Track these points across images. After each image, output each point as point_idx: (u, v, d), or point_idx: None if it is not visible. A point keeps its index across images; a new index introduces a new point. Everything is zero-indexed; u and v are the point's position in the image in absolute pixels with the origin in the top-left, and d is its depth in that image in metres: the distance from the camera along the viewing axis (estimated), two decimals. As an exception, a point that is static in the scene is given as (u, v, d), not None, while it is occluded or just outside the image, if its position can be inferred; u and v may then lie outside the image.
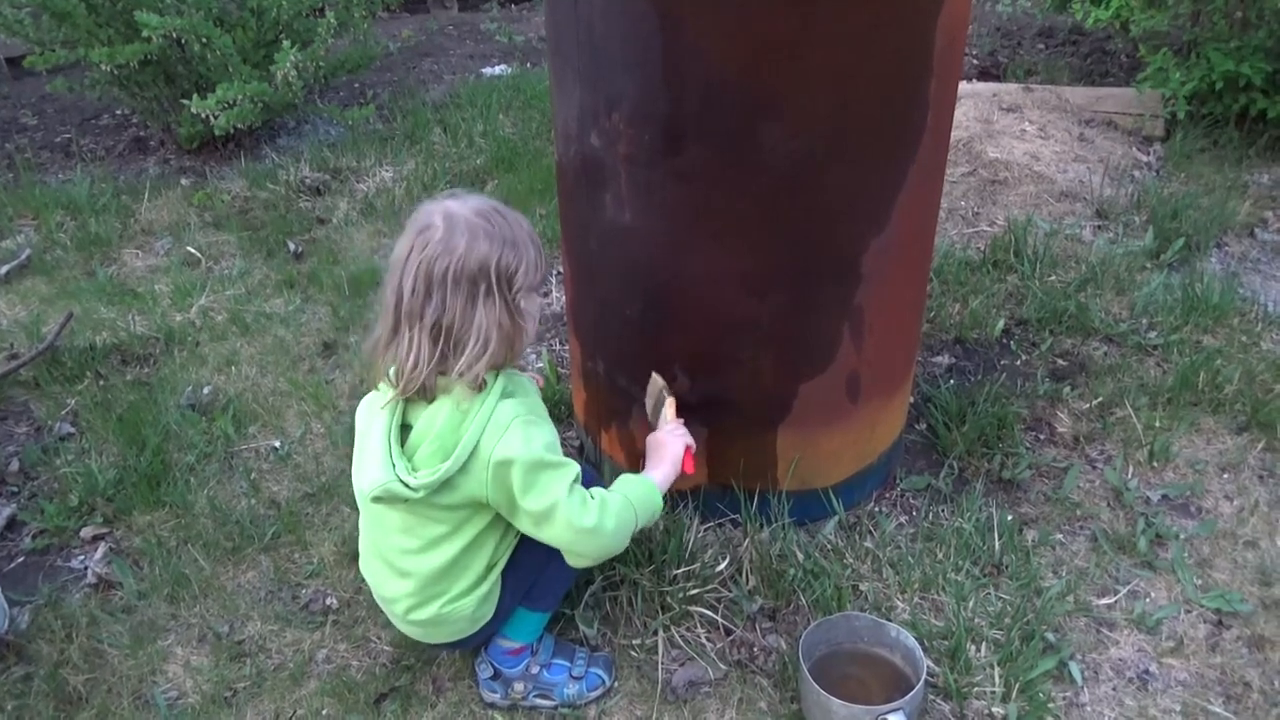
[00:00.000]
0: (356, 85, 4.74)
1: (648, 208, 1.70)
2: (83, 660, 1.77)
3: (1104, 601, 1.81)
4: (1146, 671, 1.69)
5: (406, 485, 1.42)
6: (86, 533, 2.07)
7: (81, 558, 2.02)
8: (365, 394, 1.58)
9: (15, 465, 2.26)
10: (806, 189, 1.60)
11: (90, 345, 2.67)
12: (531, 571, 1.60)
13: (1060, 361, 2.47)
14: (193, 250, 3.19)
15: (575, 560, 1.54)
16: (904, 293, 1.88)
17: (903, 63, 1.55)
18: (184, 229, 3.35)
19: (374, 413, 1.51)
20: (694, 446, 1.70)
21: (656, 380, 1.79)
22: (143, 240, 3.31)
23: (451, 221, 1.41)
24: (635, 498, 1.55)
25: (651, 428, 1.76)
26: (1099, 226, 3.02)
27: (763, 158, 1.56)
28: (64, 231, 3.30)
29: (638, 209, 1.71)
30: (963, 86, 3.68)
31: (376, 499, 1.46)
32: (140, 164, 3.95)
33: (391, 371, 1.47)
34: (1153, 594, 1.83)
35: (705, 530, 1.93)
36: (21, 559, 2.03)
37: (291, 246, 3.21)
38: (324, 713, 1.67)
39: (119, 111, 4.43)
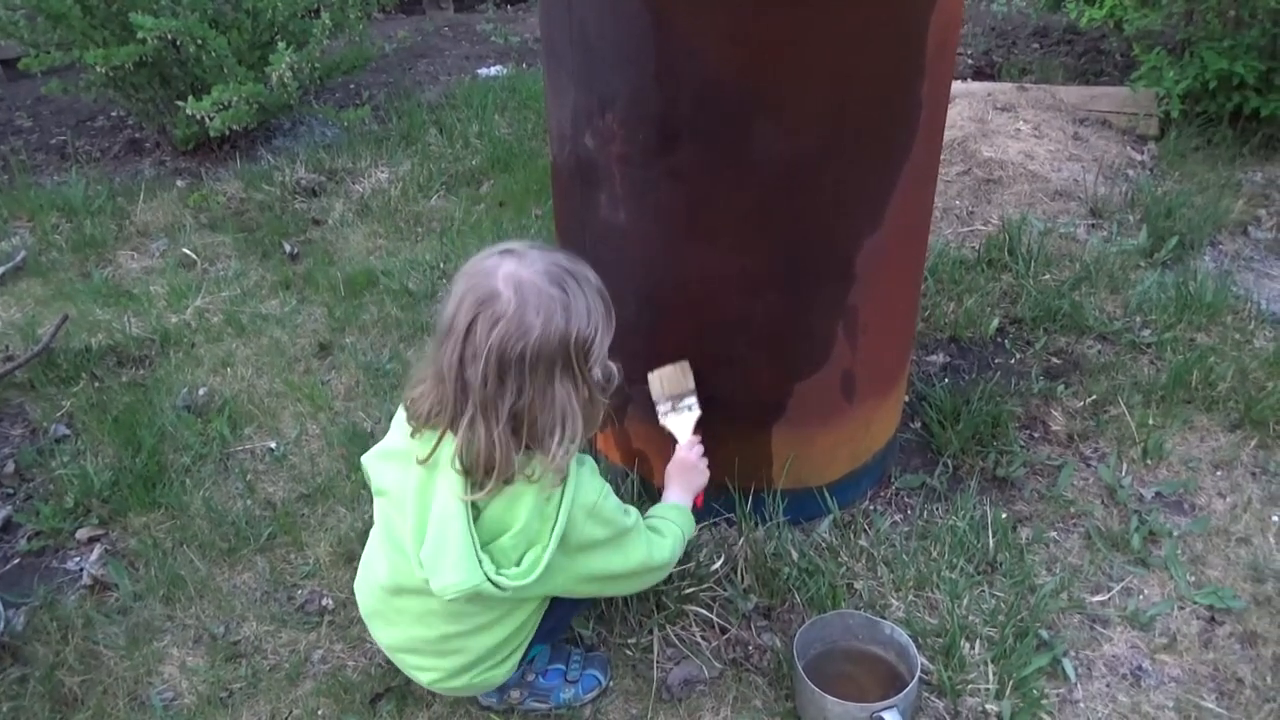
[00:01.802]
0: (352, 86, 4.74)
1: (642, 207, 1.70)
2: (78, 662, 1.77)
3: (1097, 598, 1.82)
4: (1140, 668, 1.69)
5: (497, 586, 1.32)
6: (82, 534, 2.07)
7: (77, 559, 2.02)
8: (373, 421, 1.53)
9: (10, 467, 2.26)
10: (800, 189, 1.61)
11: (86, 347, 2.67)
12: (552, 619, 1.58)
13: (1054, 360, 2.47)
14: (188, 252, 3.19)
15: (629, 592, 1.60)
16: (898, 292, 1.88)
17: (896, 62, 1.55)
18: (179, 230, 3.35)
19: (417, 476, 1.38)
20: (710, 472, 1.73)
21: (684, 377, 1.75)
22: (138, 242, 3.31)
23: (522, 294, 1.27)
24: (685, 530, 1.62)
25: (657, 416, 1.76)
26: (1093, 225, 3.02)
27: (756, 157, 1.57)
28: (59, 233, 3.30)
29: (632, 209, 1.71)
30: (957, 86, 3.69)
31: (455, 599, 1.33)
32: (135, 166, 3.95)
33: (460, 458, 1.33)
34: (1146, 591, 1.84)
35: (701, 529, 1.93)
36: (17, 561, 2.03)
37: (287, 248, 3.21)
38: (320, 713, 1.67)
39: (114, 113, 4.42)
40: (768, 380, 1.82)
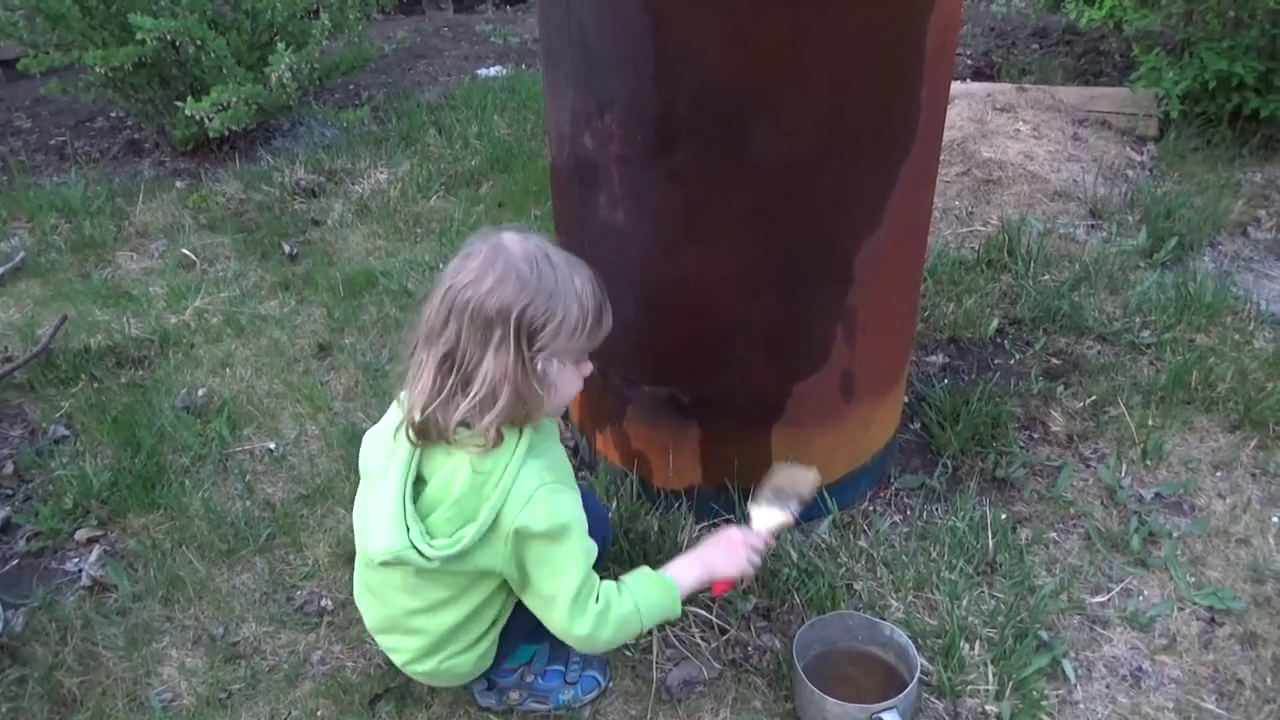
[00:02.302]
0: (351, 87, 4.74)
1: (640, 208, 1.70)
2: (77, 663, 1.77)
3: (1097, 599, 1.82)
4: (1139, 669, 1.69)
5: (421, 554, 1.35)
6: (81, 535, 2.07)
7: (76, 560, 2.02)
8: (372, 422, 1.54)
9: (9, 468, 2.26)
10: (798, 190, 1.61)
11: (85, 348, 2.67)
12: (535, 616, 1.53)
13: (1054, 360, 2.47)
14: (187, 252, 3.19)
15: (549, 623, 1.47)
16: (897, 293, 1.88)
17: (895, 64, 1.55)
18: (179, 231, 3.34)
19: (384, 454, 1.43)
20: (745, 581, 1.59)
21: (804, 482, 1.65)
22: (137, 243, 3.30)
23: (494, 255, 1.34)
24: (647, 607, 1.46)
25: (755, 494, 1.65)
26: (1093, 226, 3.02)
27: (755, 159, 1.57)
28: (58, 234, 3.30)
29: (630, 209, 1.71)
30: (956, 86, 3.69)
31: (385, 564, 1.38)
32: (135, 166, 3.95)
33: (403, 395, 1.41)
34: (1146, 592, 1.84)
35: (700, 530, 1.93)
36: (16, 562, 2.03)
37: (286, 248, 3.20)
38: (319, 714, 1.67)
39: (113, 114, 4.42)
40: (767, 381, 1.82)
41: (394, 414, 1.48)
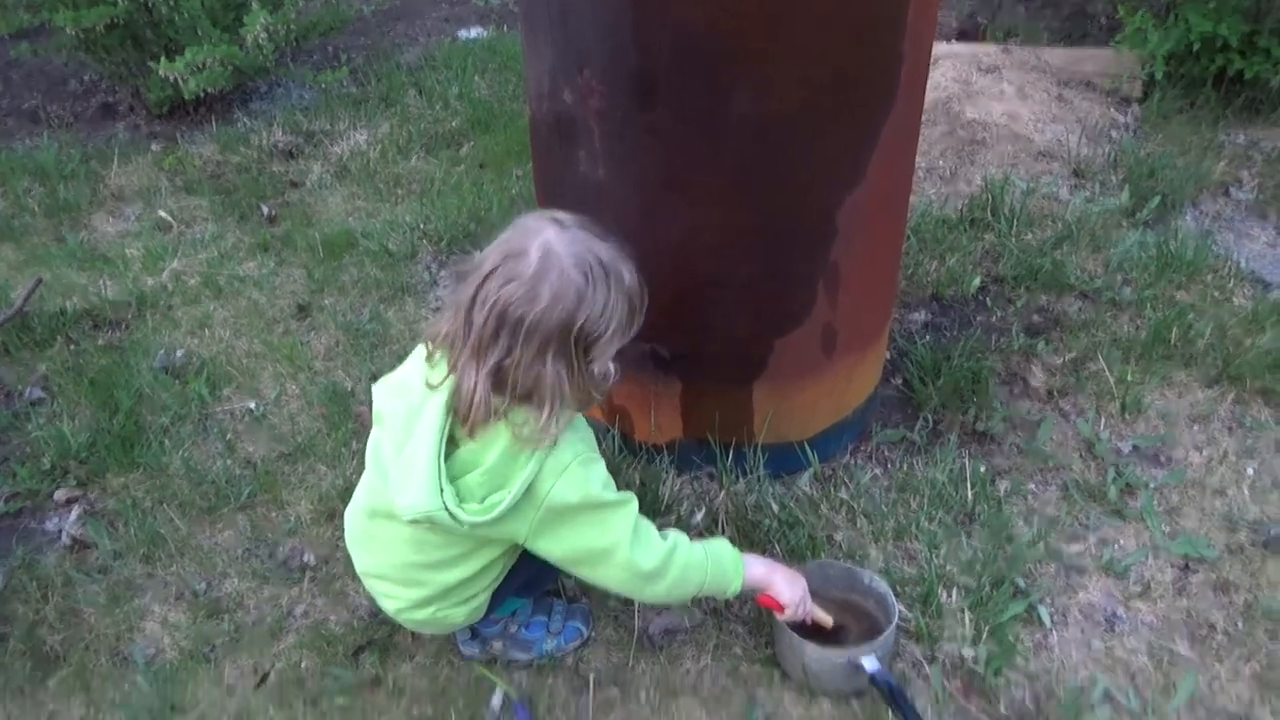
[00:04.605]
0: (329, 48, 4.66)
1: (620, 164, 1.69)
2: (59, 620, 1.77)
3: (1074, 548, 1.84)
4: (1114, 615, 1.72)
5: (454, 518, 1.33)
6: (60, 495, 2.05)
7: (55, 520, 2.01)
8: (354, 381, 1.50)
9: (-13, 429, 2.24)
10: (780, 145, 1.60)
11: (61, 310, 2.64)
12: (528, 572, 1.55)
13: (1035, 317, 2.48)
14: (164, 215, 3.15)
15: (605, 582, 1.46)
16: (879, 248, 1.88)
17: (876, 15, 1.54)
18: (155, 194, 3.30)
19: (408, 404, 1.40)
20: (788, 610, 1.54)
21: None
22: (113, 205, 3.26)
23: (545, 264, 1.28)
24: (714, 564, 1.46)
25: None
26: (1075, 185, 3.02)
27: (735, 113, 1.55)
28: (32, 197, 3.24)
29: (610, 165, 1.70)
30: (941, 47, 3.67)
31: (413, 521, 1.36)
32: (109, 129, 3.88)
33: (448, 382, 1.36)
34: (1122, 541, 1.86)
35: (682, 483, 1.94)
36: (-5, 521, 2.02)
37: (264, 210, 3.17)
38: (303, 665, 1.67)
39: (87, 77, 4.34)
40: (748, 336, 1.82)
41: (415, 364, 1.45)
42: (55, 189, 3.28)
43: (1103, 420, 2.14)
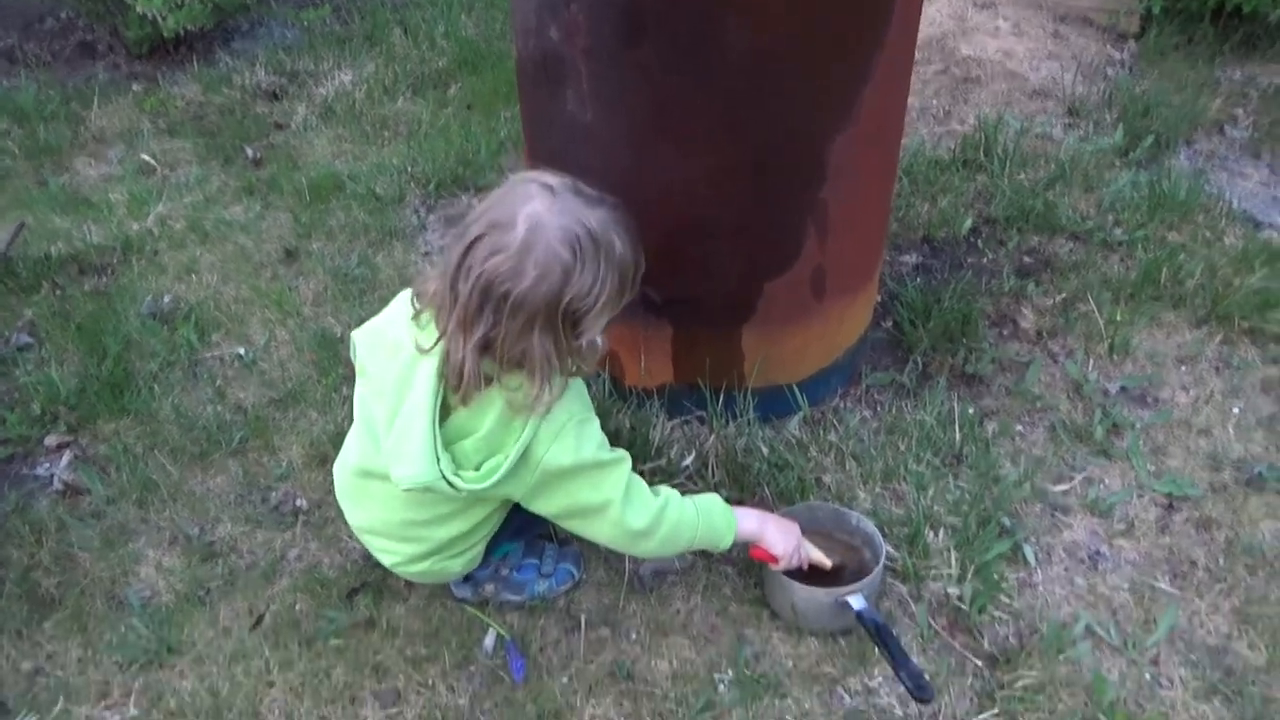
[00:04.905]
0: (312, -15, 4.55)
1: (608, 104, 1.66)
2: (54, 564, 1.78)
3: (1060, 488, 1.86)
4: (1097, 552, 1.75)
5: (452, 485, 1.33)
6: (50, 441, 2.05)
7: (47, 465, 2.01)
8: (342, 326, 1.47)
9: (-27, 376, 2.23)
10: (770, 83, 1.57)
11: (45, 255, 2.61)
12: (520, 517, 1.55)
13: (1026, 259, 2.47)
14: (147, 158, 3.10)
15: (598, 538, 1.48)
16: (870, 189, 1.86)
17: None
18: (137, 136, 3.24)
19: (398, 364, 1.38)
20: (781, 561, 1.54)
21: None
22: (95, 148, 3.20)
23: (532, 236, 1.24)
24: (705, 520, 1.47)
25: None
26: (1069, 124, 2.99)
27: (724, 50, 1.52)
28: (11, 139, 3.19)
29: (598, 106, 1.67)
30: (936, -18, 3.59)
31: (410, 490, 1.36)
32: (88, 70, 3.80)
33: (438, 347, 1.35)
34: (1107, 480, 1.88)
35: (672, 427, 1.95)
36: (-14, 468, 2.02)
37: (249, 152, 3.12)
38: (297, 607, 1.69)
39: (64, 15, 4.22)
40: (738, 279, 1.81)
41: (401, 319, 1.42)
42: (35, 131, 3.22)
43: (1091, 361, 2.15)
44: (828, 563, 1.62)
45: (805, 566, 1.59)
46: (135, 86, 3.61)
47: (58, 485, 1.94)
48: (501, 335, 1.28)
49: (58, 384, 2.14)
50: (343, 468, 1.60)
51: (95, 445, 2.05)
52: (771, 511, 1.63)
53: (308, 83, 3.55)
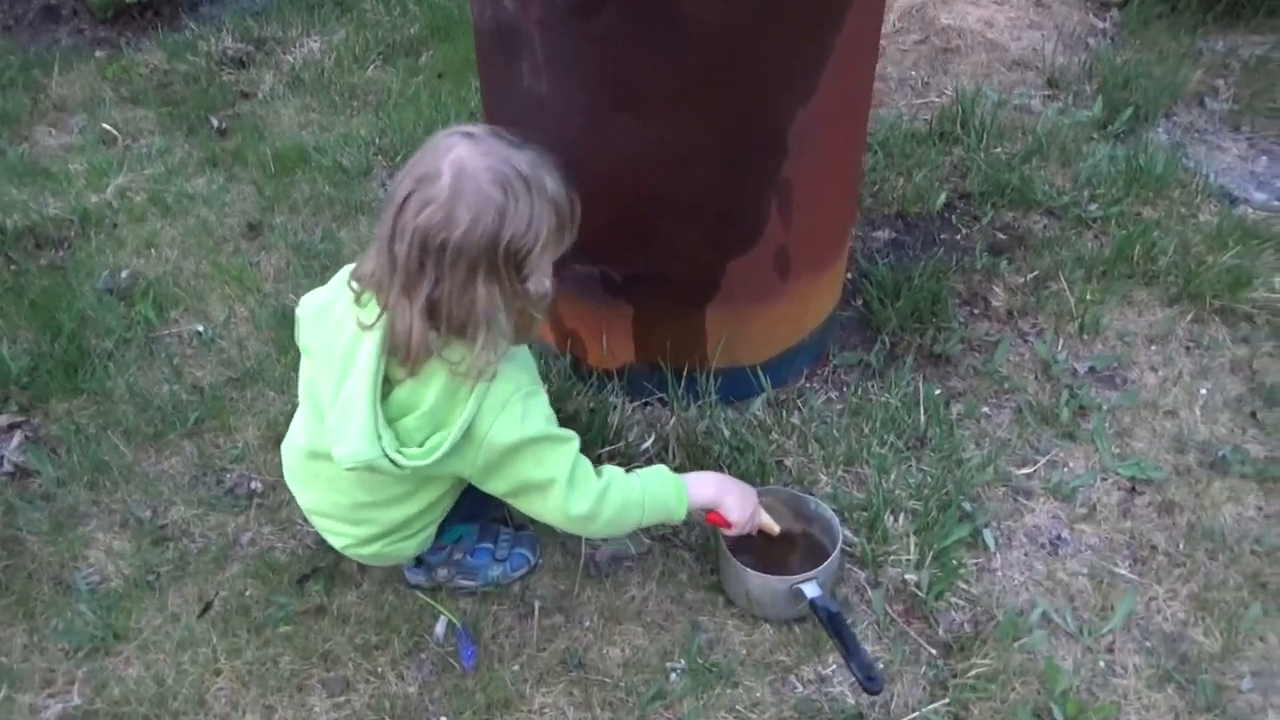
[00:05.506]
0: (283, -53, 4.43)
1: (563, 76, 1.61)
2: (1, 548, 1.75)
3: (1023, 471, 1.84)
4: (1058, 537, 1.73)
5: (394, 464, 1.30)
6: (1, 421, 2.01)
7: (-2, 446, 1.98)
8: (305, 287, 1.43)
9: (-76, 354, 2.19)
10: (728, 57, 1.52)
11: (0, 228, 2.55)
12: (473, 498, 1.52)
13: (1000, 235, 2.44)
14: (108, 127, 3.03)
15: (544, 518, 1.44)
16: (835, 166, 1.82)
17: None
18: (99, 105, 3.16)
19: (340, 340, 1.35)
20: (735, 527, 1.53)
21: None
22: (55, 117, 3.13)
23: (459, 182, 1.22)
24: (652, 498, 1.44)
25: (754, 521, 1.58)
26: (1049, 96, 2.94)
27: (681, 23, 1.48)
28: (-33, 107, 3.11)
29: (553, 78, 1.62)
30: (918, -52, 3.51)
31: (352, 469, 1.32)
32: (52, 34, 3.70)
33: (352, 278, 1.34)
34: (1071, 463, 1.87)
35: (633, 409, 1.92)
36: (-65, 449, 1.98)
37: (214, 122, 3.05)
38: (247, 594, 1.67)
39: (26, -23, 4.12)
40: (700, 257, 1.77)
41: (343, 295, 1.38)
42: (-7, 100, 3.15)
43: (1061, 341, 2.12)
44: (775, 528, 1.60)
45: (755, 531, 1.57)
46: (99, 53, 3.52)
47: (7, 467, 1.91)
48: (446, 290, 1.25)
49: (8, 363, 2.10)
50: (290, 449, 1.57)
51: (47, 425, 2.01)
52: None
53: (275, 50, 3.46)
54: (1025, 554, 1.70)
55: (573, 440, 1.40)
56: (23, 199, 2.69)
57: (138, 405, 2.03)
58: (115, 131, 3.01)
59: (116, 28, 3.69)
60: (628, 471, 1.47)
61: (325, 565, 1.70)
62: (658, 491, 1.46)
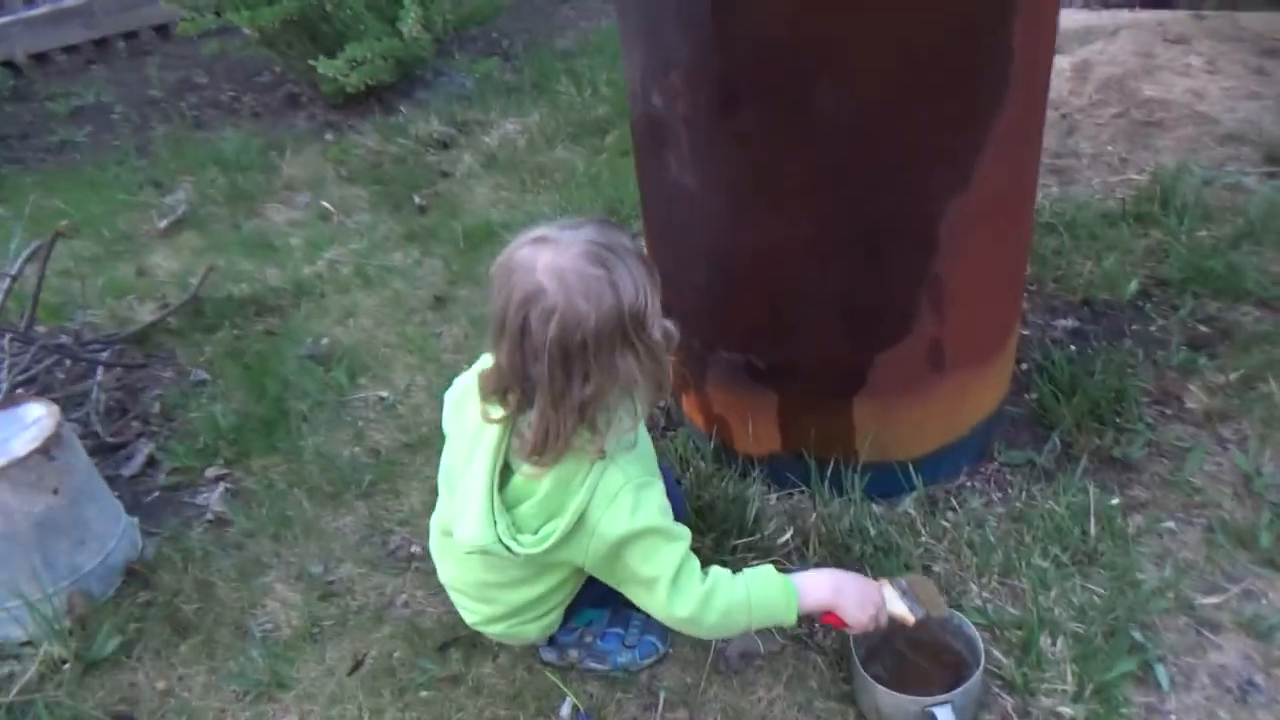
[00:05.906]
0: (494, 35, 4.80)
1: (708, 171, 1.65)
2: (195, 591, 1.95)
3: (1210, 600, 1.65)
4: (1250, 682, 1.53)
5: (509, 549, 1.35)
6: (210, 473, 2.25)
7: (204, 495, 2.21)
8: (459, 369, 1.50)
9: (157, 407, 2.49)
10: (869, 150, 1.50)
11: (229, 296, 2.88)
12: (603, 585, 1.50)
13: (1201, 328, 2.22)
14: (327, 204, 3.36)
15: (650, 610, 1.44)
16: (994, 260, 1.74)
17: (976, 7, 1.41)
18: (322, 183, 3.53)
19: (470, 427, 1.41)
20: (854, 629, 1.46)
21: (938, 605, 1.51)
22: (284, 195, 3.51)
23: (566, 283, 1.24)
24: (759, 600, 1.40)
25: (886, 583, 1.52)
26: (1268, 174, 2.67)
27: (820, 117, 1.48)
28: (215, 187, 3.55)
29: (699, 172, 1.66)
30: (1122, 16, 3.32)
31: (470, 553, 1.39)
32: (291, 119, 4.18)
33: (502, 414, 1.37)
34: (1271, 595, 1.65)
35: (775, 499, 1.89)
36: (156, 494, 2.24)
37: (416, 200, 3.32)
38: (395, 655, 1.77)
39: (277, 69, 4.68)
40: (844, 350, 1.73)
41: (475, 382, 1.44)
42: (235, 179, 3.58)
43: (1267, 452, 1.90)
44: (910, 618, 1.49)
45: (884, 625, 1.48)
46: (328, 135, 3.93)
47: (209, 516, 2.13)
48: (596, 383, 1.28)
49: (220, 420, 2.35)
50: (434, 524, 1.66)
51: (246, 480, 2.23)
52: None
53: (476, 132, 3.74)
54: (1207, 698, 1.51)
55: (683, 538, 1.40)
56: (249, 270, 3.03)
57: (322, 465, 2.22)
58: (332, 208, 3.35)
59: (343, 112, 4.12)
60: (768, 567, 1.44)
61: (466, 634, 1.76)
62: (763, 596, 1.41)
